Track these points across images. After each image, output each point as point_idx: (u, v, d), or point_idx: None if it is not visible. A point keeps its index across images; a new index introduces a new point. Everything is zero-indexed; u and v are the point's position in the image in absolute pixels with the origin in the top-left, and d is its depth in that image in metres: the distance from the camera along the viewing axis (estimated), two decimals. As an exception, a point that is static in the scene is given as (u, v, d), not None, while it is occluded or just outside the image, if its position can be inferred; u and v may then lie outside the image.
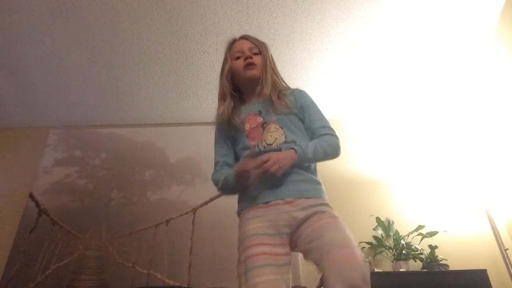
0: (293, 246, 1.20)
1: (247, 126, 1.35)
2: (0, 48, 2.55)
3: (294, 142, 1.29)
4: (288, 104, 1.37)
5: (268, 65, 1.42)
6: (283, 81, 1.48)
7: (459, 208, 2.69)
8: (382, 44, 2.57)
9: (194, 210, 2.71)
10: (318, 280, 2.06)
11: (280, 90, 1.41)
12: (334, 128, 1.41)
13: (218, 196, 2.74)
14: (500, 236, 2.46)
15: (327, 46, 2.58)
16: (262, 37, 2.47)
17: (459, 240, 2.56)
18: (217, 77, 2.83)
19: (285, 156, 1.22)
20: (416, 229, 2.47)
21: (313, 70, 2.74)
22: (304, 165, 1.28)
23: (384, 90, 2.93)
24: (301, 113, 1.40)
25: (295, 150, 1.24)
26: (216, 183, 1.35)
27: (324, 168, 1.39)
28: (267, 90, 1.37)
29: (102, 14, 2.36)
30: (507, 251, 2.39)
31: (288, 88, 1.47)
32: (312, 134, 1.37)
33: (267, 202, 1.22)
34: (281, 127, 1.33)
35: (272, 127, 1.33)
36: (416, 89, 2.92)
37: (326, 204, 1.24)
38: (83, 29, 2.45)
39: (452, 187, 2.76)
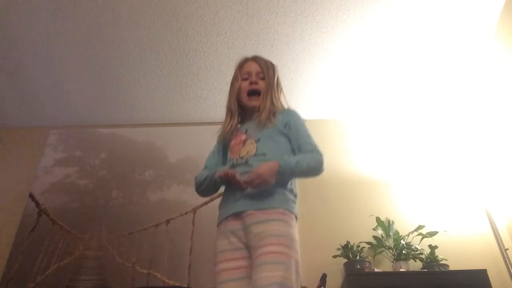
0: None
1: (232, 142, 1.47)
2: (0, 48, 2.55)
3: (263, 154, 1.36)
4: (273, 120, 1.44)
5: (269, 92, 1.50)
6: (282, 103, 1.55)
7: (459, 208, 2.69)
8: (382, 44, 2.57)
9: (194, 210, 2.71)
10: (318, 280, 2.06)
11: (274, 112, 1.48)
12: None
13: (218, 196, 2.74)
14: (500, 236, 2.46)
15: (327, 46, 2.58)
16: (262, 37, 2.51)
17: (459, 240, 2.56)
18: (217, 77, 2.86)
19: (267, 168, 1.26)
20: (416, 229, 2.47)
21: (313, 70, 2.74)
22: (285, 179, 1.33)
23: (383, 90, 2.93)
24: (287, 131, 1.45)
25: (279, 163, 1.29)
26: (198, 178, 1.49)
27: (325, 168, 1.41)
28: (263, 116, 1.45)
29: (102, 14, 2.36)
30: (507, 251, 2.40)
31: (283, 108, 1.54)
32: (298, 151, 1.42)
33: (226, 218, 1.32)
34: (256, 141, 1.41)
35: (248, 142, 1.43)
36: (415, 89, 2.92)
37: (279, 218, 1.24)
38: (83, 29, 2.45)
39: (452, 187, 2.75)
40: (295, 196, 1.38)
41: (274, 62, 2.64)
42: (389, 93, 2.95)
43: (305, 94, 2.94)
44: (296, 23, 2.44)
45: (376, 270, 2.30)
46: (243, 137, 1.42)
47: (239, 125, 1.57)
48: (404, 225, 2.57)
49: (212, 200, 2.73)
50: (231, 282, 1.21)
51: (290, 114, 1.50)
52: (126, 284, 2.46)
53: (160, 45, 2.57)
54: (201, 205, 2.72)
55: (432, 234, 2.44)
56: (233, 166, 1.38)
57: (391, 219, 2.61)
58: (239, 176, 1.28)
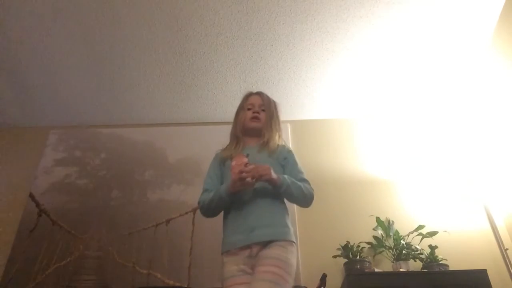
0: None
1: (233, 162, 1.55)
2: (0, 48, 2.55)
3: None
4: (273, 151, 1.64)
5: (269, 123, 1.72)
6: (279, 137, 1.75)
7: (459, 208, 2.70)
8: (382, 44, 2.57)
9: (194, 210, 2.71)
10: (318, 280, 2.06)
11: (272, 141, 1.68)
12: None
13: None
14: (500, 236, 2.46)
15: (327, 46, 2.58)
16: (262, 37, 2.51)
17: (459, 240, 2.56)
18: (217, 77, 2.87)
19: (268, 167, 1.47)
20: (416, 229, 2.47)
21: (313, 70, 2.75)
22: (281, 193, 1.51)
23: (383, 90, 2.93)
24: (283, 162, 1.65)
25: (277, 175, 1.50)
26: (203, 202, 1.59)
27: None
28: (270, 146, 1.65)
29: (102, 14, 2.36)
30: (507, 251, 2.40)
31: (281, 144, 1.74)
32: None
33: (238, 248, 1.44)
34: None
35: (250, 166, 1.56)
36: (415, 90, 2.92)
37: (285, 248, 1.41)
38: (83, 29, 2.45)
39: (453, 187, 2.75)
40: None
41: (274, 62, 2.68)
42: (388, 94, 2.95)
43: (304, 94, 2.94)
44: (296, 23, 2.44)
45: (376, 270, 2.30)
46: (245, 160, 1.51)
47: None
48: (404, 225, 2.57)
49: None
50: None
51: (289, 151, 1.71)
52: (126, 284, 2.46)
53: (160, 45, 2.57)
54: (201, 205, 2.72)
55: (432, 234, 2.44)
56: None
57: (391, 219, 2.62)
58: (249, 166, 1.45)
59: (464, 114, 3.02)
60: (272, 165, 1.51)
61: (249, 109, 1.77)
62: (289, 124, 3.08)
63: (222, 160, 1.68)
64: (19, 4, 2.29)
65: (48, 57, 2.63)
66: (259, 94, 1.83)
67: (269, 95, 1.86)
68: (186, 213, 2.71)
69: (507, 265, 2.36)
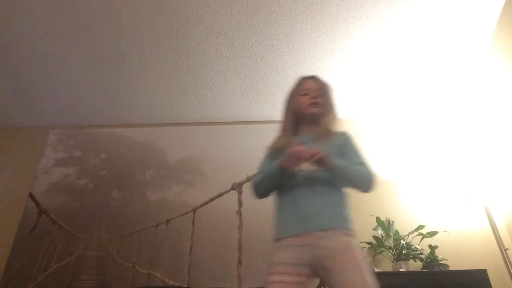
0: (315, 275, 1.34)
1: (289, 149, 1.47)
2: (0, 48, 2.55)
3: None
4: (332, 139, 1.54)
5: (328, 109, 1.60)
6: (335, 121, 1.63)
7: (459, 208, 2.69)
8: (382, 44, 2.57)
9: (194, 210, 2.71)
10: (318, 280, 2.06)
11: (330, 128, 1.58)
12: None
13: (218, 196, 2.74)
14: (500, 236, 2.46)
15: (327, 46, 2.58)
16: (262, 37, 2.51)
17: (459, 240, 2.56)
18: (217, 77, 2.86)
19: (319, 150, 1.38)
20: (416, 229, 2.47)
21: (313, 70, 2.74)
22: (337, 177, 1.45)
23: (383, 90, 2.93)
24: (344, 150, 1.55)
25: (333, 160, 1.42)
26: (255, 180, 1.53)
27: (374, 186, 1.48)
28: (326, 133, 1.55)
29: (102, 14, 2.36)
30: (507, 251, 2.40)
31: (339, 130, 1.63)
32: None
33: (295, 235, 1.36)
34: None
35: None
36: (415, 89, 2.92)
37: (349, 235, 1.36)
38: (83, 29, 2.45)
39: (452, 187, 2.76)
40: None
41: (274, 62, 2.67)
42: (387, 94, 2.95)
43: (305, 94, 2.94)
44: (296, 23, 2.44)
45: (376, 270, 2.30)
46: (301, 147, 1.44)
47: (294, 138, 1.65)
48: (404, 225, 2.57)
49: (211, 200, 2.75)
50: None
51: (349, 136, 1.61)
52: (126, 284, 2.47)
53: (160, 45, 2.57)
54: (201, 205, 2.72)
55: (432, 234, 2.44)
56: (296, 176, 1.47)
57: (391, 219, 2.61)
58: (305, 150, 1.37)
59: (464, 114, 3.02)
60: (331, 155, 1.44)
61: (304, 95, 1.63)
62: (289, 124, 3.08)
63: (276, 150, 1.57)
64: (19, 4, 2.29)
65: (48, 58, 2.63)
66: (314, 78, 1.69)
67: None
68: (186, 213, 2.71)
69: (507, 265, 2.36)
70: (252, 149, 2.95)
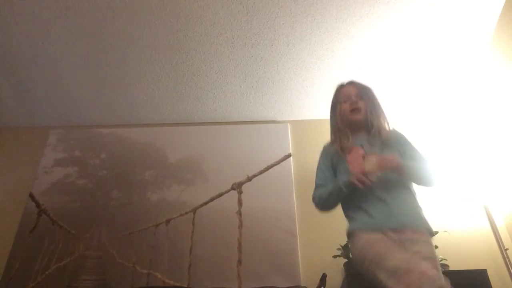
0: None
1: (349, 156, 1.51)
2: (0, 48, 2.55)
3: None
4: (387, 139, 1.56)
5: (372, 111, 1.63)
6: (385, 121, 1.66)
7: (459, 208, 2.69)
8: (382, 44, 2.57)
9: (194, 210, 2.71)
10: (319, 280, 2.06)
11: (382, 129, 1.61)
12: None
13: (218, 196, 2.74)
14: (500, 236, 2.46)
15: (327, 46, 2.58)
16: (262, 37, 2.51)
17: (459, 240, 2.56)
18: (217, 77, 2.87)
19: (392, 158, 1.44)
20: (416, 229, 2.47)
21: (313, 70, 2.75)
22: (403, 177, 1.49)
23: (383, 90, 2.92)
24: (401, 148, 1.59)
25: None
26: (319, 197, 1.55)
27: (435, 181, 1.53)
28: (383, 135, 1.57)
29: (102, 14, 2.36)
30: (507, 251, 2.40)
31: (392, 130, 1.67)
32: None
33: (388, 228, 1.39)
34: None
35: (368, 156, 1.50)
36: (414, 89, 2.92)
37: (428, 241, 1.44)
38: (83, 29, 2.45)
39: (452, 187, 2.75)
40: None
41: (274, 62, 2.68)
42: (387, 94, 2.95)
43: (304, 94, 2.94)
44: (296, 23, 2.44)
45: (376, 270, 2.29)
46: (361, 151, 1.47)
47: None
48: (404, 225, 2.57)
49: (212, 200, 2.75)
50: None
51: (401, 134, 1.65)
52: (126, 284, 2.46)
53: (160, 45, 2.57)
54: (201, 205, 2.72)
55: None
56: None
57: (391, 219, 2.61)
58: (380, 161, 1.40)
59: (464, 114, 3.02)
60: (396, 156, 1.48)
61: (344, 102, 1.66)
62: (289, 124, 3.08)
63: (335, 154, 1.60)
64: (19, 4, 2.29)
65: (48, 57, 2.63)
66: (352, 83, 1.73)
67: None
68: (186, 213, 2.71)
69: (507, 265, 2.36)
70: (252, 149, 2.95)
